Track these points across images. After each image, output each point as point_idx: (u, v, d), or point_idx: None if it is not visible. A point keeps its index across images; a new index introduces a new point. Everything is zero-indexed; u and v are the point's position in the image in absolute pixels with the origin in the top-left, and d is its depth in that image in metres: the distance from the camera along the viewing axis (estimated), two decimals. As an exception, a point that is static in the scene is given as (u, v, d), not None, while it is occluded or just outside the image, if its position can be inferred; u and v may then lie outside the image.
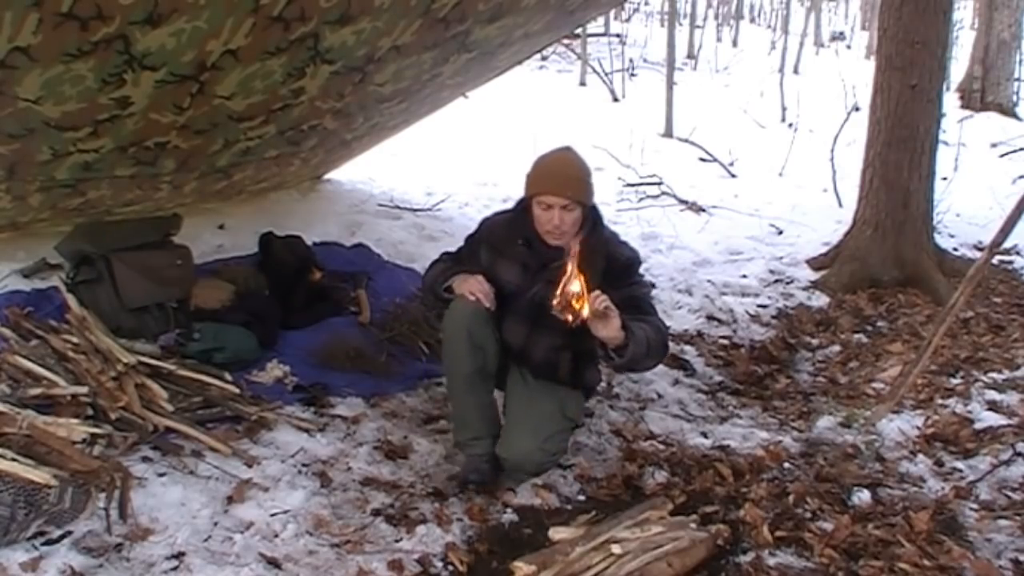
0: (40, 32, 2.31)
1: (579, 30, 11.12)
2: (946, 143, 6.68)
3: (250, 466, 2.65)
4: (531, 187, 2.67)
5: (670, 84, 9.06)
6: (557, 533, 2.35)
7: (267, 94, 3.21)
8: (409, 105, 4.36)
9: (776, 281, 5.02)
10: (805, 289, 4.93)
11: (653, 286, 4.66)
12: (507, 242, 2.76)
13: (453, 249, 3.01)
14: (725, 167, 7.47)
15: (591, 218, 2.70)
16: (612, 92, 11.16)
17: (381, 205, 5.27)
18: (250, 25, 2.68)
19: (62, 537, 2.20)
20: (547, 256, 2.67)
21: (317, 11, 2.77)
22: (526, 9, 3.54)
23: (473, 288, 2.69)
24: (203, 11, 2.51)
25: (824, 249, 5.31)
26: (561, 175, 2.64)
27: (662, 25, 17.39)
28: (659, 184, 6.51)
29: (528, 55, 5.12)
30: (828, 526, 2.51)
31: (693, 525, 2.44)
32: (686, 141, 8.05)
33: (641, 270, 2.82)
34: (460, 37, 3.49)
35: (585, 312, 2.40)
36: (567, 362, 2.74)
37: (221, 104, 3.14)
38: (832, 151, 6.73)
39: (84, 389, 2.65)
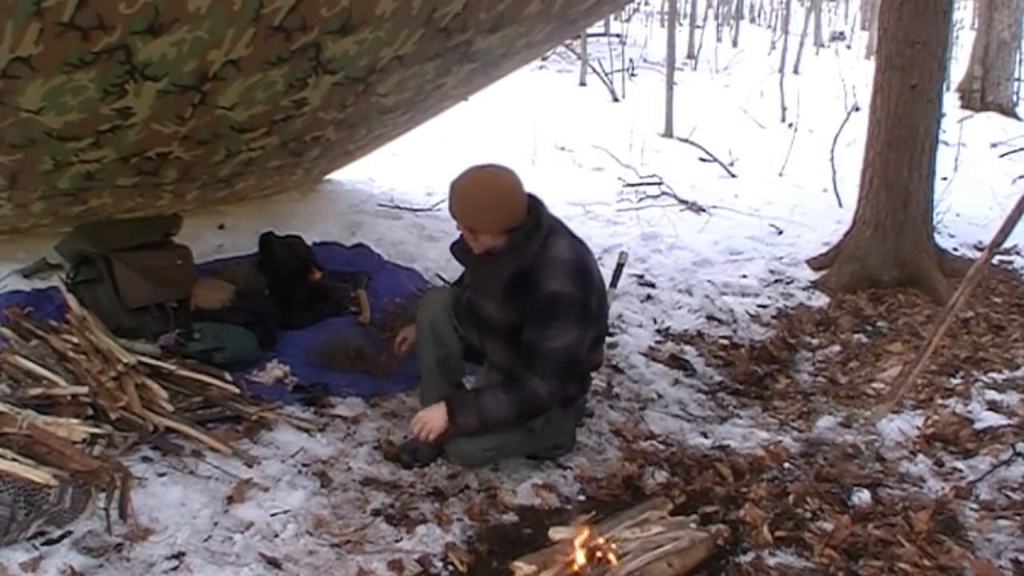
0: (41, 42, 2.32)
1: (579, 30, 11.11)
2: (946, 143, 6.68)
3: (250, 466, 2.66)
4: None
5: (670, 84, 9.06)
6: (557, 533, 2.35)
7: (269, 105, 3.21)
8: (412, 115, 4.36)
9: (776, 281, 5.02)
10: (805, 289, 4.93)
11: (653, 286, 4.67)
12: (462, 251, 2.78)
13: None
14: (725, 167, 7.47)
15: (517, 239, 2.59)
16: (612, 92, 11.15)
17: (381, 205, 5.27)
18: (251, 35, 2.68)
19: (62, 537, 2.20)
20: (475, 263, 2.74)
21: (318, 21, 2.77)
22: (528, 19, 3.54)
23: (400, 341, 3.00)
24: (204, 21, 2.51)
25: (824, 249, 5.31)
26: (458, 202, 2.60)
27: (662, 25, 17.39)
28: (659, 184, 6.51)
29: (530, 60, 5.12)
30: (828, 526, 2.52)
31: (693, 525, 2.44)
32: (686, 141, 8.05)
33: (572, 309, 2.57)
34: (462, 47, 3.49)
35: None
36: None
37: (223, 115, 3.14)
38: (832, 151, 6.73)
39: (84, 389, 2.66)
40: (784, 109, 9.93)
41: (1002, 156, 8.47)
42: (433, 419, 2.65)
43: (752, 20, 26.07)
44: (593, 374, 3.20)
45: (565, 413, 2.88)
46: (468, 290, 2.85)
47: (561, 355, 2.59)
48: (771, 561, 2.37)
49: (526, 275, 2.59)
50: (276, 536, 2.38)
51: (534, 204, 2.66)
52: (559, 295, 2.55)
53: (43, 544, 2.18)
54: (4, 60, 2.35)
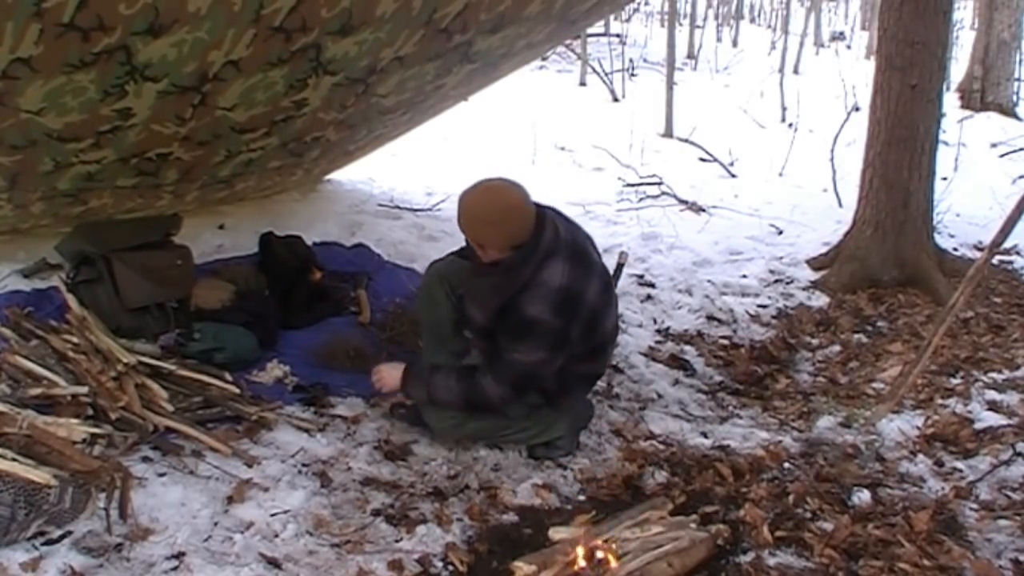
0: (41, 43, 2.31)
1: (579, 30, 11.11)
2: (946, 143, 6.67)
3: (250, 466, 2.65)
4: None
5: (670, 84, 9.06)
6: (557, 533, 2.35)
7: (269, 105, 3.21)
8: (412, 116, 4.36)
9: (776, 281, 5.02)
10: (805, 289, 4.93)
11: (654, 283, 4.67)
12: (471, 254, 2.82)
13: (454, 248, 3.08)
14: (725, 167, 7.47)
15: (514, 260, 2.61)
16: (612, 92, 11.15)
17: (381, 205, 5.27)
18: (251, 36, 2.68)
19: (62, 537, 2.20)
20: (477, 272, 2.79)
21: (318, 21, 2.77)
22: (528, 19, 3.54)
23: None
24: (204, 21, 2.51)
25: (824, 249, 5.31)
26: (464, 215, 2.64)
27: (662, 25, 17.38)
28: (659, 184, 6.51)
29: (530, 61, 5.12)
30: (828, 526, 2.52)
31: (693, 525, 2.44)
32: (686, 141, 8.05)
33: (546, 336, 2.60)
34: (463, 48, 3.49)
35: None
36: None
37: (223, 115, 3.14)
38: (832, 151, 6.73)
39: (84, 389, 2.65)
40: (784, 109, 9.94)
41: (1002, 156, 8.47)
42: (389, 377, 2.86)
43: (752, 20, 26.06)
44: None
45: (555, 411, 2.90)
46: (464, 287, 2.88)
47: (521, 368, 2.66)
48: (771, 561, 2.37)
49: (514, 299, 2.62)
50: (276, 536, 2.38)
51: (540, 223, 2.64)
52: (536, 321, 2.59)
53: (43, 544, 2.17)
54: (4, 61, 2.34)
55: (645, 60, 14.09)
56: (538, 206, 2.68)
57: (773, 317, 4.56)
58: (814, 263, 5.22)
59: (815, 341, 4.31)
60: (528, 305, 2.59)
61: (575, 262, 2.67)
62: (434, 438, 2.96)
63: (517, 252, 2.61)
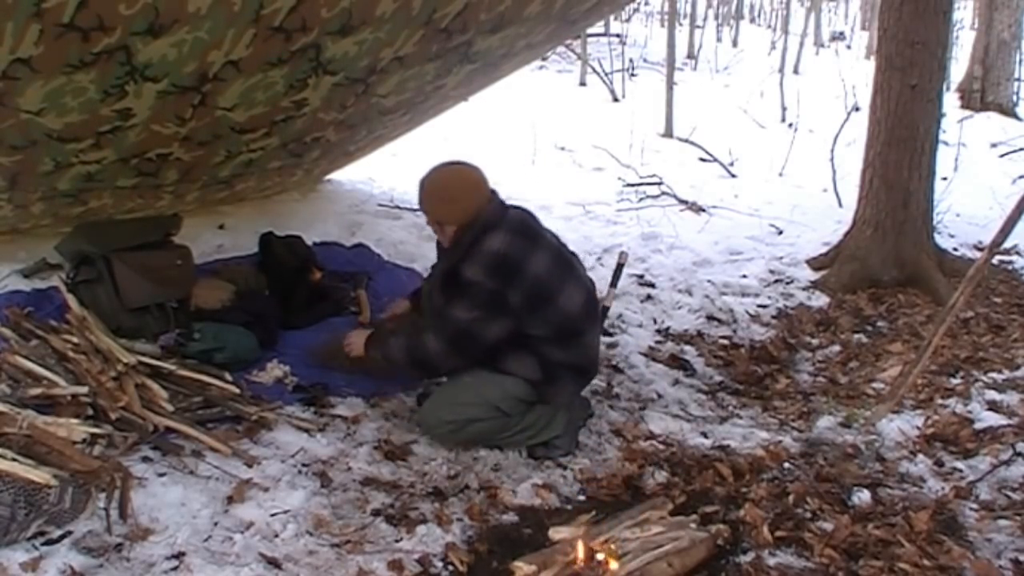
0: (42, 43, 2.31)
1: (579, 30, 11.10)
2: (946, 143, 6.67)
3: (250, 466, 2.66)
4: None
5: (670, 84, 9.06)
6: (557, 533, 2.35)
7: (269, 105, 3.21)
8: (413, 116, 4.36)
9: (776, 281, 5.02)
10: (805, 289, 4.93)
11: (654, 276, 4.66)
12: (438, 243, 3.05)
13: None
14: (725, 167, 7.46)
15: (462, 237, 2.80)
16: (612, 92, 11.15)
17: (381, 205, 5.26)
18: (251, 36, 2.68)
19: (62, 537, 2.20)
20: (441, 255, 3.02)
21: (318, 21, 2.77)
22: (528, 19, 3.54)
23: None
24: (204, 21, 2.51)
25: (824, 249, 5.31)
26: (421, 194, 2.89)
27: (662, 25, 17.38)
28: (659, 184, 6.51)
29: (530, 61, 5.12)
30: (828, 526, 2.52)
31: (693, 525, 2.44)
32: (686, 141, 8.05)
33: (480, 296, 2.75)
34: (462, 48, 3.49)
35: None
36: None
37: (223, 115, 3.14)
38: (832, 151, 6.73)
39: (84, 389, 2.65)
40: (784, 109, 9.93)
41: (1002, 156, 8.47)
42: (355, 343, 3.05)
43: (752, 20, 26.06)
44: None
45: (548, 408, 2.93)
46: (429, 276, 3.16)
47: (456, 325, 2.77)
48: (771, 561, 2.37)
49: (455, 266, 2.79)
50: (276, 536, 2.38)
51: (483, 204, 2.81)
52: (471, 282, 2.74)
53: (43, 544, 2.18)
54: (4, 61, 2.34)
55: (645, 60, 14.08)
56: (496, 193, 2.88)
57: (773, 317, 4.56)
58: (814, 263, 5.22)
59: (815, 341, 4.31)
60: (466, 268, 2.75)
61: (518, 234, 2.81)
62: (435, 438, 2.97)
63: (465, 227, 2.79)
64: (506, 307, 2.74)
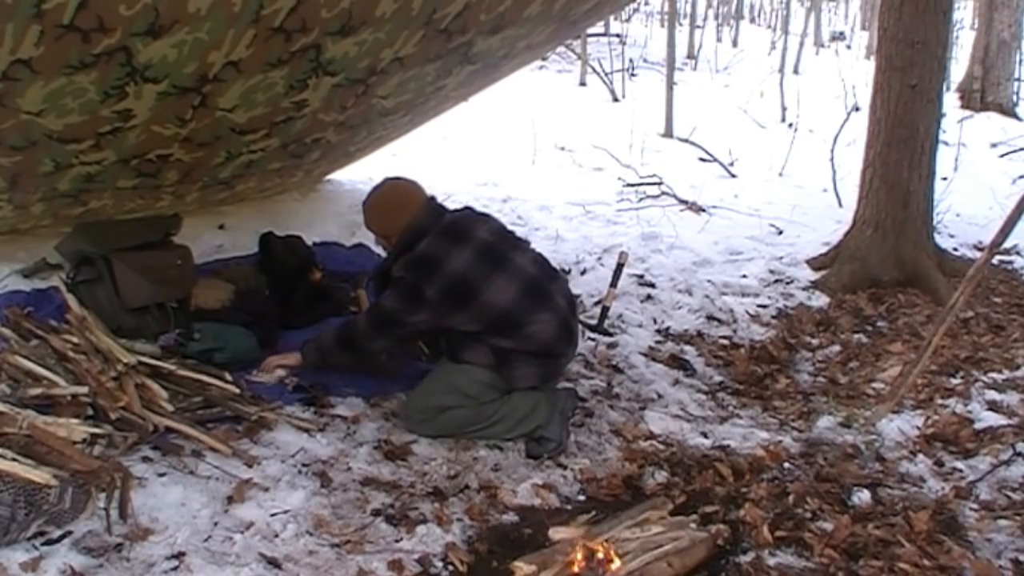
0: (42, 44, 2.31)
1: (579, 30, 11.09)
2: (946, 143, 6.68)
3: (250, 466, 2.65)
4: None
5: (670, 84, 9.06)
6: (557, 533, 2.35)
7: (269, 106, 3.21)
8: (413, 117, 4.36)
9: (776, 281, 5.02)
10: (805, 289, 4.93)
11: (653, 278, 4.66)
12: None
13: None
14: (725, 167, 7.46)
15: (397, 245, 3.04)
16: (612, 92, 11.14)
17: (381, 205, 5.26)
18: (251, 36, 2.68)
19: (62, 537, 2.20)
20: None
21: (318, 22, 2.77)
22: (528, 20, 3.54)
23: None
24: (204, 22, 2.51)
25: (824, 249, 5.31)
26: (367, 214, 3.13)
27: (662, 25, 17.37)
28: (659, 184, 6.50)
29: (530, 62, 5.12)
30: (828, 526, 2.52)
31: (693, 525, 2.44)
32: (686, 141, 8.04)
33: (401, 288, 2.95)
34: (463, 49, 3.49)
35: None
36: (434, 342, 3.29)
37: (223, 116, 3.14)
38: (832, 151, 6.73)
39: (84, 389, 2.65)
40: (784, 109, 9.93)
41: (1002, 156, 8.48)
42: (287, 361, 3.22)
43: (752, 20, 26.04)
44: (591, 374, 3.34)
45: (529, 397, 2.99)
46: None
47: (380, 309, 3.04)
48: (771, 561, 2.37)
49: (388, 269, 3.04)
50: (276, 536, 2.38)
51: (420, 211, 3.03)
52: (396, 278, 2.99)
53: (43, 544, 2.17)
54: (5, 62, 2.35)
55: (645, 60, 14.08)
56: (433, 202, 3.12)
57: (773, 317, 4.56)
58: (814, 263, 5.22)
59: (815, 341, 4.31)
60: (395, 269, 3.00)
61: (442, 236, 3.00)
62: (435, 438, 2.96)
63: (401, 237, 3.02)
64: (423, 300, 2.91)
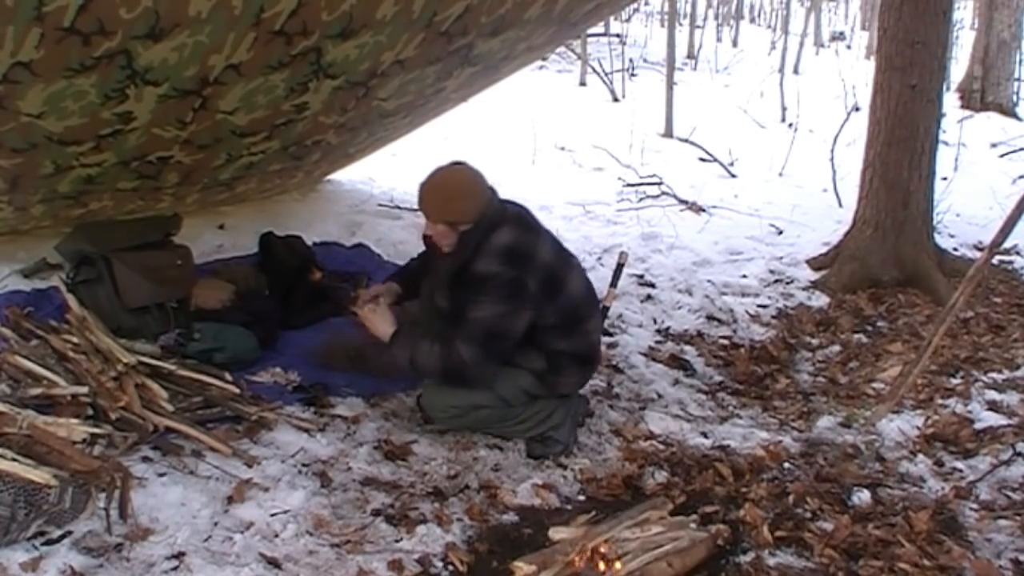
0: (42, 47, 2.32)
1: (579, 30, 11.08)
2: (946, 143, 6.68)
3: (250, 466, 2.65)
4: None
5: (670, 84, 9.06)
6: (557, 533, 2.35)
7: (270, 109, 3.21)
8: (413, 119, 4.36)
9: (776, 281, 5.02)
10: (805, 289, 4.93)
11: (650, 279, 4.66)
12: (431, 248, 3.00)
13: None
14: (725, 167, 7.46)
15: (469, 236, 2.78)
16: (612, 92, 11.15)
17: (381, 205, 5.26)
18: (252, 39, 2.68)
19: (62, 537, 2.20)
20: (435, 262, 2.97)
21: (319, 25, 2.77)
22: (528, 22, 3.54)
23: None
24: (205, 25, 2.51)
25: (824, 249, 5.31)
26: (424, 196, 2.82)
27: (662, 25, 17.37)
28: (659, 184, 6.51)
29: (530, 63, 5.13)
30: (828, 526, 2.52)
31: (693, 525, 2.44)
32: (686, 141, 8.05)
33: (499, 286, 2.72)
34: (463, 51, 3.49)
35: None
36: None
37: (224, 119, 3.14)
38: (832, 151, 6.73)
39: (84, 389, 2.65)
40: (784, 109, 9.93)
41: (1002, 156, 8.48)
42: (378, 328, 2.89)
43: (752, 20, 26.05)
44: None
45: (552, 402, 2.95)
46: (428, 284, 3.04)
47: (482, 324, 2.73)
48: (771, 561, 2.37)
49: (466, 266, 2.76)
50: (276, 536, 2.38)
51: (487, 201, 2.80)
52: (489, 275, 2.73)
53: (43, 544, 2.18)
54: (5, 65, 2.34)
55: (645, 60, 14.08)
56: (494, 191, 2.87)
57: (773, 317, 4.56)
58: (814, 263, 5.22)
59: (815, 341, 4.31)
60: (479, 265, 2.74)
61: (521, 227, 2.86)
62: (435, 438, 2.97)
63: (471, 226, 2.77)
64: (527, 294, 2.74)
